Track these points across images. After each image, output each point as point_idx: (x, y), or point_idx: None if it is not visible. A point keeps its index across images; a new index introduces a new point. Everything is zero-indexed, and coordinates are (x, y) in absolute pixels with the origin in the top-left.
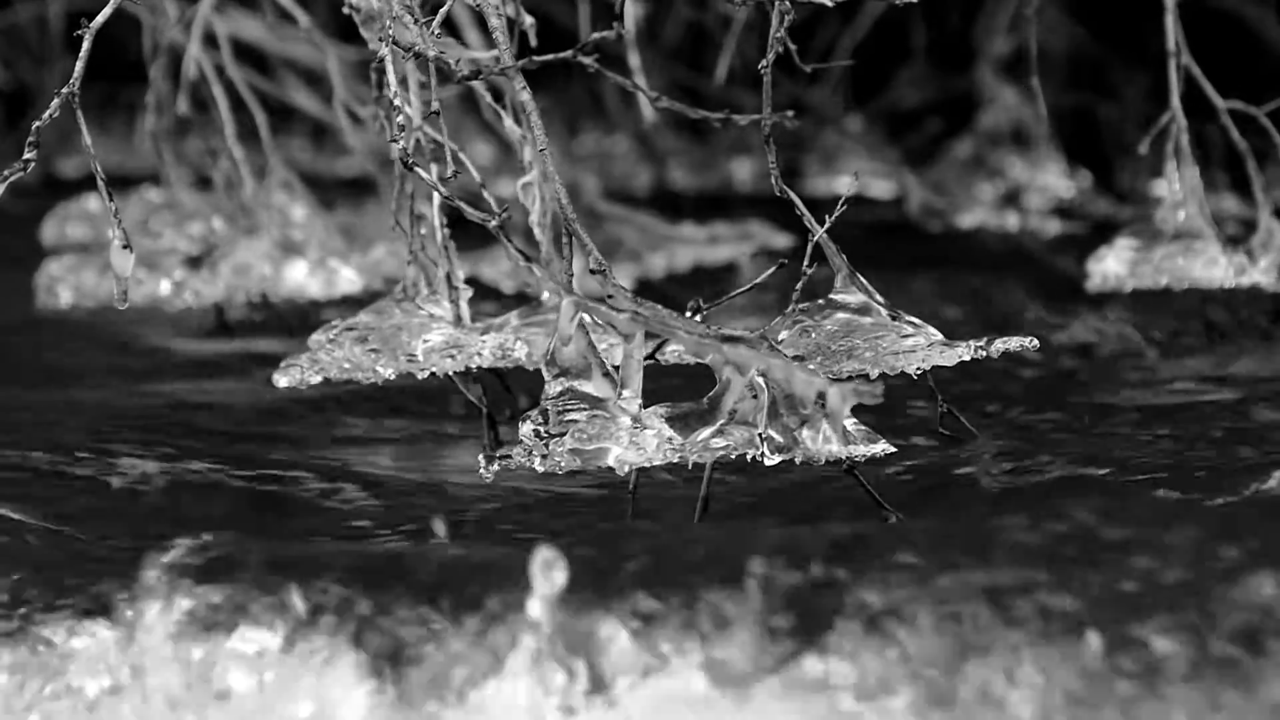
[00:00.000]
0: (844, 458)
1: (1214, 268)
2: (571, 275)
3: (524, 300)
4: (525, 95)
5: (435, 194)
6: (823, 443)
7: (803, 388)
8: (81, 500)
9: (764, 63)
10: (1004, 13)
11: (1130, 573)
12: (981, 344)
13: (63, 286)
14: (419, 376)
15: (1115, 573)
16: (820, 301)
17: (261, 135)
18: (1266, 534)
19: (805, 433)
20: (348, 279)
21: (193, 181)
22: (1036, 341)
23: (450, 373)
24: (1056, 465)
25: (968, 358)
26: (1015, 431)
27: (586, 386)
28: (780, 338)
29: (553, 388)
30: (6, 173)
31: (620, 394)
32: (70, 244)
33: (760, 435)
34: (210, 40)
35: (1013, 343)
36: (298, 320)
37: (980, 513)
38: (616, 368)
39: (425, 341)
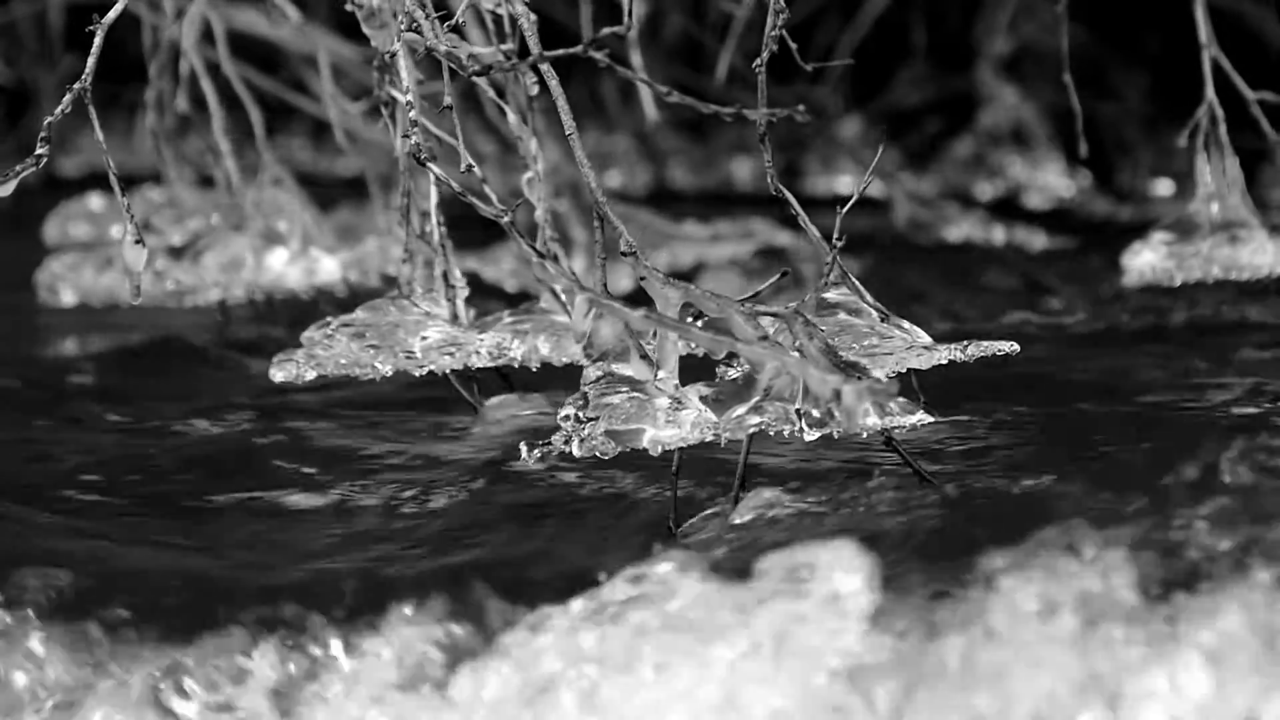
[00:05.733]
0: (883, 429)
1: (1262, 254)
2: (572, 270)
3: (526, 299)
4: (555, 85)
5: (434, 192)
6: (861, 416)
7: (818, 385)
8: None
9: (758, 61)
10: (1004, 12)
11: None
12: (960, 348)
13: (64, 285)
14: (417, 374)
15: None
16: (814, 300)
17: (256, 132)
18: None
19: None
20: (328, 269)
21: (195, 180)
22: (1016, 346)
23: (448, 371)
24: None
25: (945, 361)
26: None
27: (625, 369)
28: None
29: (591, 372)
30: (18, 169)
31: (657, 375)
32: (73, 243)
33: (797, 410)
34: (211, 37)
35: (991, 347)
36: (296, 313)
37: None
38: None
39: (424, 339)
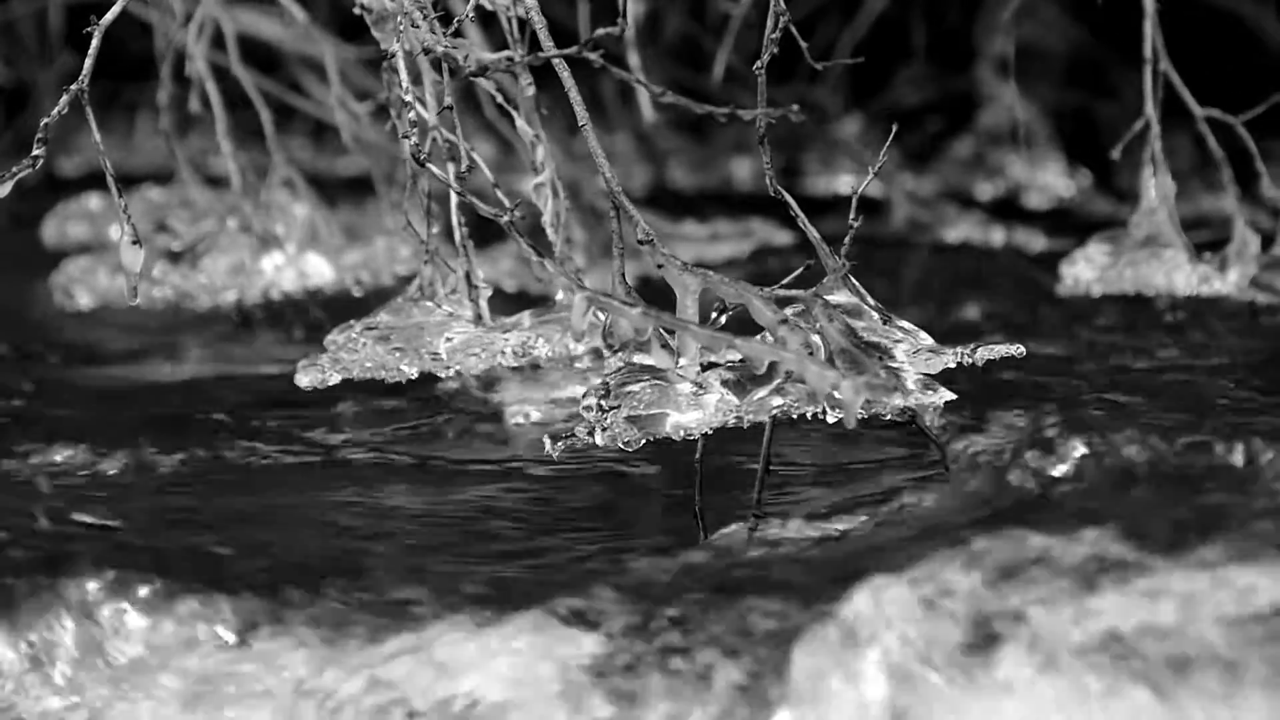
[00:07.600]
0: (906, 409)
1: (1177, 275)
2: (580, 272)
3: (526, 299)
4: (567, 78)
5: (453, 194)
6: (858, 409)
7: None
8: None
9: (758, 64)
10: (1004, 12)
11: None
12: (967, 350)
13: (80, 287)
14: (442, 376)
15: None
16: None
17: (266, 132)
18: None
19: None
20: (319, 272)
21: (202, 179)
22: (1023, 348)
23: (474, 373)
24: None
25: (953, 364)
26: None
27: (646, 358)
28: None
29: (613, 362)
30: (15, 170)
31: (678, 363)
32: (71, 243)
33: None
34: (218, 39)
35: (998, 350)
36: (309, 315)
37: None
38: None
39: (448, 340)
